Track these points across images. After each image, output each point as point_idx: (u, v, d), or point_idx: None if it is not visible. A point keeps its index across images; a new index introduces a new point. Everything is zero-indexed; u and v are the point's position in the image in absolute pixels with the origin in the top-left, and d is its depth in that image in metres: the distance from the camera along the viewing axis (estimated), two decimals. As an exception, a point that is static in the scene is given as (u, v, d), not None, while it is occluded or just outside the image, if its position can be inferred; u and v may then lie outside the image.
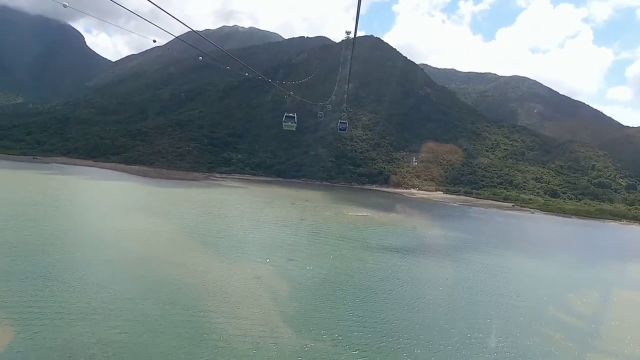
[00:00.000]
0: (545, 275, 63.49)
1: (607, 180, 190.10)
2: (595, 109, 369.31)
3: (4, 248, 49.99)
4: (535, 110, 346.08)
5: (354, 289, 47.25)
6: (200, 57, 39.67)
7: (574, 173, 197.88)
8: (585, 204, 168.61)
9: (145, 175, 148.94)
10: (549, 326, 42.25)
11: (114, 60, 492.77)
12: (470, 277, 56.95)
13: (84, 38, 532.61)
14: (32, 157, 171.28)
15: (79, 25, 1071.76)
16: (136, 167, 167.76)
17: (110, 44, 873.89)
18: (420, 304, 44.96)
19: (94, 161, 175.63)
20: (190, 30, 21.28)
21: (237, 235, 69.20)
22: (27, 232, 57.63)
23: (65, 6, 15.99)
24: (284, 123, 43.03)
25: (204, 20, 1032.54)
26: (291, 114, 42.65)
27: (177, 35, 27.86)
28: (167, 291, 41.41)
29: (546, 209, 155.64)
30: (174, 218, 77.95)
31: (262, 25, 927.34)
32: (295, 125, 43.12)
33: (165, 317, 35.93)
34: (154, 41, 21.47)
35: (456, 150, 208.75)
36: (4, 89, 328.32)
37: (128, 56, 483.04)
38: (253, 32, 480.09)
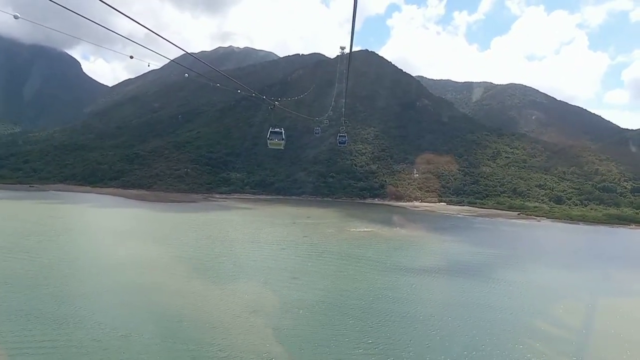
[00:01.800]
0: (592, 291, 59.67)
1: (612, 184, 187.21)
2: (594, 113, 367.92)
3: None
4: (533, 117, 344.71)
5: (363, 313, 44.53)
6: (186, 75, 36.36)
7: (578, 178, 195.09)
8: (591, 209, 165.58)
9: (142, 199, 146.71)
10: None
11: (111, 86, 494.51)
12: (495, 295, 53.88)
13: (80, 65, 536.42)
14: (28, 185, 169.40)
15: (75, 53, 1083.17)
16: (134, 192, 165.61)
17: (108, 69, 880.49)
18: (436, 325, 42.08)
19: (92, 187, 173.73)
20: (185, 54, 22.02)
21: (239, 258, 66.92)
22: (18, 265, 55.41)
23: (16, 17, 14.11)
24: (269, 140, 35.54)
25: (201, 42, 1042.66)
26: (278, 129, 35.31)
27: (172, 59, 26.54)
28: (166, 324, 38.98)
29: (552, 216, 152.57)
30: (173, 243, 75.56)
31: (258, 45, 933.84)
32: (283, 142, 35.76)
33: (163, 353, 33.49)
34: (131, 57, 19.62)
35: (457, 160, 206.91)
36: (1, 118, 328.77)
37: (125, 80, 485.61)
38: (248, 52, 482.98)
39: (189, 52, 23.47)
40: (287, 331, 38.70)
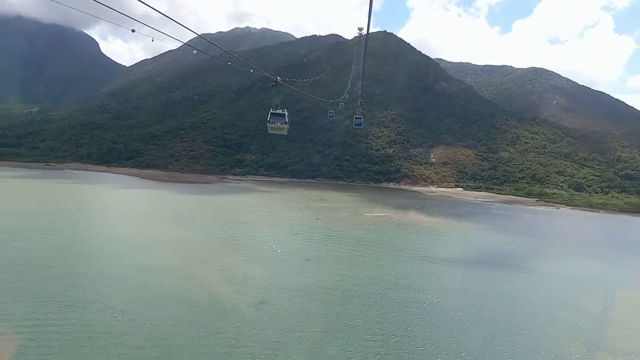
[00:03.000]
0: None
1: (634, 171, 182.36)
2: (616, 99, 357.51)
3: (2, 262, 47.32)
4: (554, 102, 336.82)
5: (379, 301, 42.94)
6: (195, 51, 32.45)
7: (599, 165, 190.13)
8: (612, 197, 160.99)
9: (157, 179, 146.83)
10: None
11: (128, 66, 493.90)
12: (516, 285, 51.96)
13: (98, 45, 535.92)
14: (45, 163, 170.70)
15: (94, 32, 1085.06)
16: (149, 172, 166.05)
17: (126, 49, 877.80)
18: (456, 315, 40.34)
19: (107, 166, 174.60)
20: (202, 33, 22.21)
21: (252, 241, 65.97)
22: (30, 245, 55.06)
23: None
24: (269, 124, 29.98)
25: (218, 22, 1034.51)
26: (280, 111, 29.69)
27: (185, 42, 25.38)
28: (175, 308, 37.98)
29: (571, 203, 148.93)
30: (186, 225, 74.91)
31: (275, 27, 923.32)
32: (286, 126, 30.21)
33: (171, 339, 32.62)
34: (133, 30, 18.57)
35: (475, 145, 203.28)
36: (20, 98, 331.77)
37: (142, 61, 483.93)
38: (265, 33, 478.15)
39: (199, 34, 23.24)
40: (299, 318, 37.55)
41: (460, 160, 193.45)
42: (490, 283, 51.49)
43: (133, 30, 18.89)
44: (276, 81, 28.70)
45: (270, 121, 30.09)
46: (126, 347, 31.01)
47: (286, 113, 30.03)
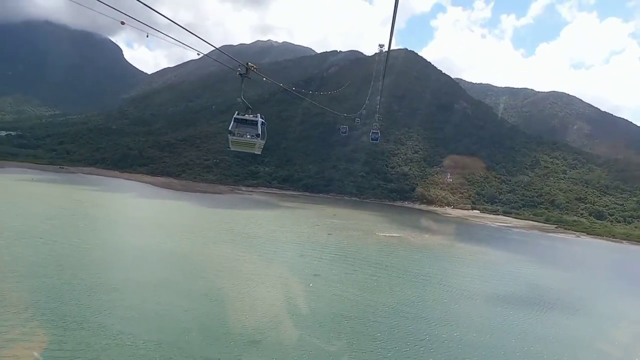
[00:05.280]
0: None
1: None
2: (639, 126, 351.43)
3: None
4: (575, 127, 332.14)
5: (392, 333, 39.93)
6: (198, 54, 23.26)
7: (622, 194, 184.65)
8: (636, 227, 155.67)
9: (169, 187, 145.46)
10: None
11: (150, 73, 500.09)
12: (543, 322, 48.46)
13: (122, 51, 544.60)
14: (59, 166, 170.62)
15: (119, 39, 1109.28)
16: (162, 179, 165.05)
17: (150, 57, 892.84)
18: (480, 356, 37.15)
19: (120, 172, 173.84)
20: (224, 44, 19.99)
21: (260, 258, 63.14)
22: (31, 251, 53.00)
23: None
24: (231, 137, 19.59)
25: (242, 34, 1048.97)
26: (250, 116, 19.77)
27: (205, 53, 23.07)
28: (172, 331, 35.49)
29: (592, 232, 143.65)
30: (192, 237, 72.45)
31: (298, 40, 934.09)
32: (259, 141, 20.09)
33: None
34: (122, 23, 16.69)
35: (494, 167, 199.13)
36: (43, 100, 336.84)
37: (164, 69, 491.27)
38: (287, 46, 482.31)
39: (217, 47, 21.53)
40: (304, 350, 34.61)
41: (477, 182, 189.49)
42: (514, 319, 47.80)
43: (122, 23, 16.61)
44: (247, 69, 19.04)
45: (234, 132, 19.81)
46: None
47: (260, 120, 20.04)
